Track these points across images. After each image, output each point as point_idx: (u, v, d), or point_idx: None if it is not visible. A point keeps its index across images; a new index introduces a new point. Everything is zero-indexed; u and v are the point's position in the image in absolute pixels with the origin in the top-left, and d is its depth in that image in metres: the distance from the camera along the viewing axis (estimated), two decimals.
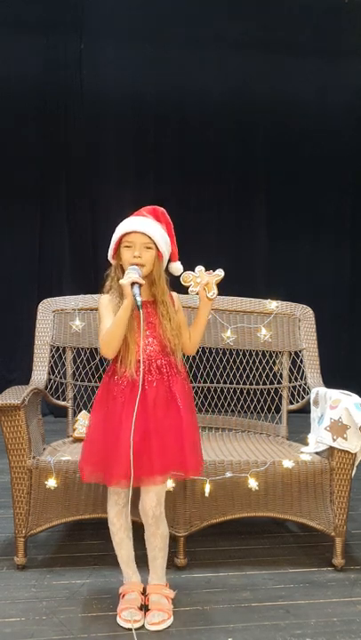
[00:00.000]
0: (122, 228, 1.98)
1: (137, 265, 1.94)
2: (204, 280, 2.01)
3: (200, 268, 2.03)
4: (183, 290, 2.07)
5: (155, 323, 1.98)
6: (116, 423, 1.91)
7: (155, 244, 1.97)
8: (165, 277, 2.03)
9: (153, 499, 1.95)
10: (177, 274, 2.08)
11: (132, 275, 1.90)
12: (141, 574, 2.07)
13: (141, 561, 2.07)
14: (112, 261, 2.04)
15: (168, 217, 2.06)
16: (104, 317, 1.98)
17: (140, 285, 1.91)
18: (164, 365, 1.97)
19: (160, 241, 1.98)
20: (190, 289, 2.02)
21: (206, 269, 2.04)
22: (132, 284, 1.89)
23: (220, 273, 2.03)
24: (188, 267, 2.08)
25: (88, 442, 2.02)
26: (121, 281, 1.91)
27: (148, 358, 1.95)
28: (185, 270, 2.06)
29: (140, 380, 1.90)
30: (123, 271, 1.98)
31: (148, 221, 1.99)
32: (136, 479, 1.87)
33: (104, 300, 2.01)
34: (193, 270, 2.04)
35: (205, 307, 2.04)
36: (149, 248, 1.96)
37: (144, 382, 1.92)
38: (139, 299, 1.88)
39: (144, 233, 1.95)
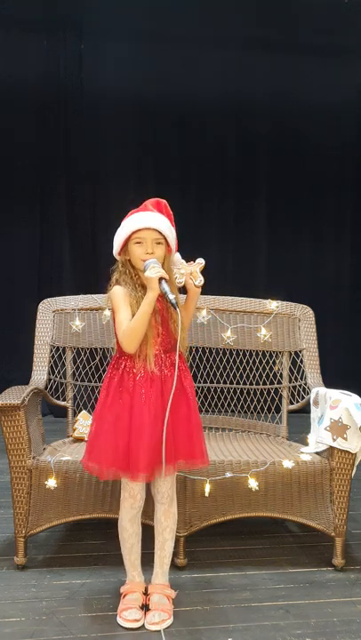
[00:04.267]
0: (132, 225, 1.96)
1: None
2: (188, 270, 2.00)
3: (180, 260, 2.03)
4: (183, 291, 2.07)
5: (167, 318, 1.97)
6: (137, 417, 1.90)
7: (165, 238, 1.96)
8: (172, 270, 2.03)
9: (168, 481, 2.00)
10: (177, 265, 2.07)
11: (158, 269, 1.88)
12: (144, 574, 2.07)
13: (144, 561, 2.07)
14: (118, 257, 2.02)
15: (170, 209, 2.05)
16: (121, 309, 1.93)
17: (167, 281, 1.89)
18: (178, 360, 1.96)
19: (170, 235, 1.98)
20: (177, 281, 2.00)
21: (206, 268, 2.04)
22: (160, 279, 1.87)
23: (200, 261, 2.02)
24: None
25: (99, 439, 1.95)
26: (148, 273, 1.88)
27: (165, 353, 1.96)
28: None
29: (176, 373, 1.90)
30: (132, 267, 1.98)
31: (157, 216, 1.97)
32: (156, 470, 1.90)
33: (119, 291, 1.96)
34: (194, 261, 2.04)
35: (195, 295, 2.03)
36: (160, 243, 1.96)
37: (161, 375, 1.93)
38: (172, 296, 1.87)
39: (155, 229, 1.94)
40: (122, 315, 1.93)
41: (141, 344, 1.92)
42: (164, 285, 1.87)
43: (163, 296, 1.91)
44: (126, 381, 1.94)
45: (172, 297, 1.87)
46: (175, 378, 1.90)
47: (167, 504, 2.02)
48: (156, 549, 2.05)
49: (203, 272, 2.01)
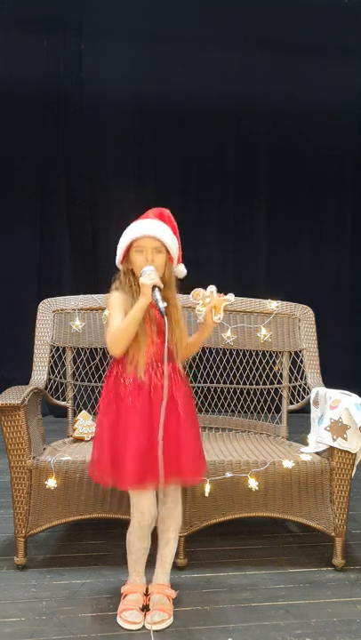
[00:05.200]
0: (132, 233, 1.95)
1: None
2: (213, 302, 1.97)
3: (212, 289, 1.99)
4: (187, 291, 2.07)
5: (164, 327, 1.97)
6: (123, 426, 1.89)
7: (165, 247, 1.96)
8: (175, 281, 2.03)
9: (172, 485, 1.98)
10: (181, 276, 2.06)
11: (154, 276, 1.88)
12: (145, 573, 2.07)
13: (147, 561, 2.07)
14: (120, 266, 2.02)
15: (173, 219, 2.05)
16: (115, 314, 1.94)
17: (160, 289, 1.88)
18: (169, 370, 1.93)
19: (170, 244, 1.97)
20: (198, 307, 1.99)
21: (209, 278, 2.03)
22: (153, 287, 1.87)
23: (230, 298, 1.98)
24: (188, 267, 2.07)
25: (98, 446, 1.97)
26: (142, 279, 1.88)
27: (157, 362, 1.93)
28: (193, 289, 2.02)
29: (166, 384, 1.87)
30: (133, 275, 1.97)
31: (158, 225, 1.97)
32: (147, 480, 1.87)
33: (116, 297, 1.97)
34: (205, 288, 1.99)
35: (209, 328, 2.00)
36: (160, 252, 1.95)
37: (150, 385, 1.90)
38: (163, 304, 1.85)
39: (155, 237, 1.94)
40: (114, 319, 1.94)
41: (134, 351, 1.92)
42: (157, 293, 1.86)
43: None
44: (118, 388, 1.94)
45: (162, 305, 1.85)
46: (165, 388, 1.87)
47: (172, 506, 2.01)
48: (158, 548, 2.04)
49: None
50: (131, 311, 1.89)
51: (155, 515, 1.98)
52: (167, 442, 1.87)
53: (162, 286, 1.90)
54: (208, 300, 1.98)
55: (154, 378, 1.92)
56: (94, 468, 1.97)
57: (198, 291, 2.00)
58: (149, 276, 1.88)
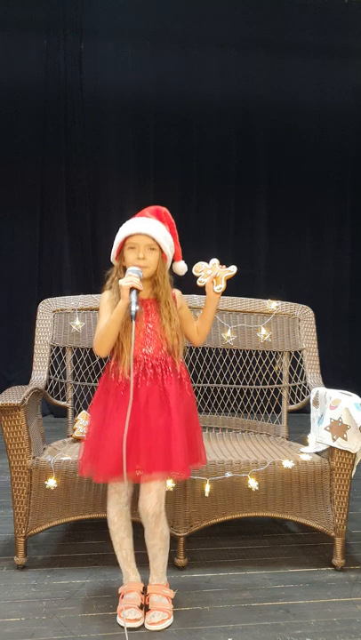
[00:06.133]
0: (125, 230, 1.98)
1: (140, 267, 1.94)
2: (214, 272, 2.00)
3: (214, 261, 2.02)
4: (186, 290, 2.07)
5: (155, 322, 1.99)
6: (109, 420, 1.94)
7: (158, 245, 1.97)
8: (170, 278, 2.03)
9: (153, 497, 1.95)
10: (181, 273, 2.08)
11: (132, 278, 1.89)
12: (142, 574, 2.07)
13: (142, 560, 2.07)
14: (115, 262, 2.04)
15: (170, 217, 2.06)
16: (102, 315, 2.00)
17: (138, 292, 1.90)
18: (159, 366, 1.97)
19: (164, 242, 1.98)
20: (199, 279, 2.01)
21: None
22: (131, 289, 1.88)
23: (232, 269, 2.00)
24: (189, 267, 2.08)
25: (87, 439, 2.04)
26: (120, 281, 1.91)
27: (144, 359, 1.96)
28: (195, 263, 2.04)
29: (132, 381, 1.88)
30: (125, 272, 1.98)
31: (152, 222, 1.98)
32: (123, 474, 1.86)
33: (104, 297, 2.03)
34: (208, 262, 2.03)
35: (211, 300, 2.03)
36: (153, 249, 1.97)
37: (137, 382, 1.92)
38: (134, 307, 1.87)
39: (148, 234, 1.95)
40: (100, 320, 2.00)
41: (119, 349, 1.96)
42: (133, 296, 1.88)
43: (152, 302, 1.96)
44: (109, 384, 1.99)
45: (133, 309, 1.86)
46: (131, 385, 1.87)
47: (153, 524, 1.98)
48: (149, 558, 2.05)
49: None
50: (112, 314, 1.93)
51: (130, 493, 2.00)
52: (156, 436, 1.90)
53: (141, 289, 1.91)
54: (210, 271, 1.99)
55: (141, 375, 1.94)
56: (82, 461, 2.01)
57: (199, 264, 2.03)
58: (128, 277, 1.90)
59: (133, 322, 1.87)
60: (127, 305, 1.89)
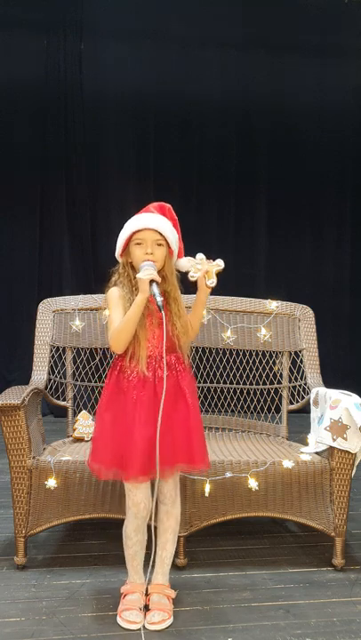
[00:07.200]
0: (132, 225, 1.96)
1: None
2: (204, 267, 1.99)
3: (201, 256, 2.01)
4: (189, 291, 2.07)
5: (167, 319, 1.97)
6: (130, 419, 1.90)
7: (166, 240, 1.96)
8: (176, 274, 2.03)
9: (170, 482, 1.99)
10: (184, 270, 2.07)
11: (150, 271, 1.88)
12: (144, 573, 2.07)
13: (145, 560, 2.07)
14: (120, 259, 2.03)
15: (174, 213, 2.05)
16: (114, 310, 1.95)
17: (158, 284, 1.89)
18: (173, 361, 1.96)
19: (171, 237, 1.97)
20: (190, 274, 2.00)
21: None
22: (151, 281, 1.87)
23: (220, 263, 2.01)
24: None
25: (100, 439, 1.98)
26: (139, 275, 1.88)
27: (159, 354, 1.94)
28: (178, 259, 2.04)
29: (165, 376, 1.89)
30: (133, 268, 1.97)
31: (159, 218, 1.97)
32: (151, 471, 1.87)
33: (114, 293, 1.98)
34: (194, 257, 2.02)
35: (204, 294, 2.03)
36: (160, 245, 1.95)
37: (154, 378, 1.92)
38: (160, 299, 1.86)
39: (155, 230, 1.94)
40: (113, 315, 1.95)
41: (135, 345, 1.93)
42: (154, 288, 1.87)
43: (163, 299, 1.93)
44: (121, 382, 1.95)
45: (159, 300, 1.86)
46: (165, 380, 1.88)
47: (169, 504, 2.02)
48: (157, 549, 2.04)
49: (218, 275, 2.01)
50: (130, 309, 1.89)
51: (150, 507, 1.98)
52: (177, 430, 1.91)
53: (159, 280, 1.90)
54: (199, 266, 1.99)
55: (158, 370, 1.93)
56: (94, 460, 1.97)
57: (188, 259, 2.03)
58: (147, 270, 1.88)
59: (163, 312, 1.86)
60: (146, 298, 1.87)
